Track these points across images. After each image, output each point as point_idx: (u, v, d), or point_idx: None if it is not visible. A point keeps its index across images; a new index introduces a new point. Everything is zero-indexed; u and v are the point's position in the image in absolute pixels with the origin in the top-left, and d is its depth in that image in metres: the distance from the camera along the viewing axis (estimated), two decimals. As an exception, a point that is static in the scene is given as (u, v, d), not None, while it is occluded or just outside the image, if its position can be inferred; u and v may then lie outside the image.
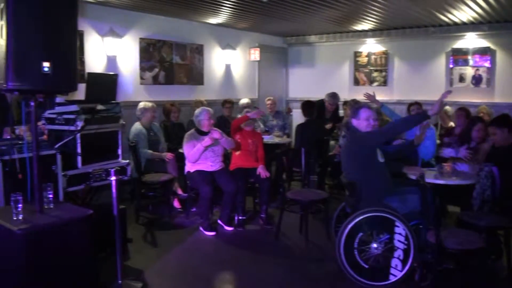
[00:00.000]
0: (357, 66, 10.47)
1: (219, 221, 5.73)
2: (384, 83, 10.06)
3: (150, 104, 6.60)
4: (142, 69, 7.87)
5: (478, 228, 4.06)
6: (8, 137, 4.52)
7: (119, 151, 4.92)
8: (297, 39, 11.04)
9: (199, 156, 5.58)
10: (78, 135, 4.41)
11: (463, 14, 7.60)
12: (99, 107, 4.59)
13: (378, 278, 4.00)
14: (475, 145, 5.38)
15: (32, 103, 3.32)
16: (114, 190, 3.82)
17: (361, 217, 4.03)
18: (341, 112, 8.49)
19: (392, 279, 3.98)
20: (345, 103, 8.26)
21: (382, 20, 8.29)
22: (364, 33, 9.80)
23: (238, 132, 6.01)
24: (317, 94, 8.88)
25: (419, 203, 4.19)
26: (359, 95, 8.87)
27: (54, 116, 4.54)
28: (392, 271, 3.98)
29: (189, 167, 5.76)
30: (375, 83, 10.15)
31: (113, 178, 3.79)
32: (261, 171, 5.82)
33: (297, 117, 9.69)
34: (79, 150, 4.48)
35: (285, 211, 5.40)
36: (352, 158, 4.41)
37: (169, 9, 7.44)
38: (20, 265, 3.12)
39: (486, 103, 8.25)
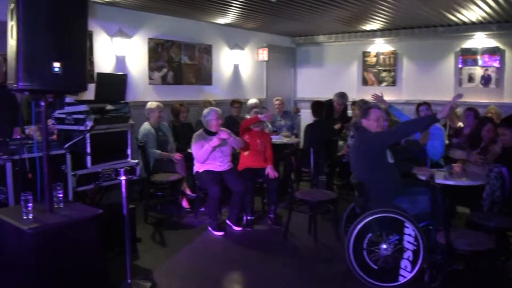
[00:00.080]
0: (365, 66, 10.44)
1: (227, 221, 5.73)
2: (393, 83, 10.02)
3: (155, 104, 6.62)
4: (151, 69, 7.89)
5: (488, 229, 4.05)
6: (18, 136, 4.54)
7: (128, 151, 4.93)
8: (305, 39, 11.01)
9: (208, 157, 5.59)
10: (88, 135, 4.42)
11: (472, 14, 7.56)
12: (109, 107, 4.60)
13: (387, 279, 3.99)
14: (485, 145, 5.35)
15: (42, 103, 3.33)
16: (123, 189, 3.84)
17: (371, 218, 4.03)
18: (349, 112, 8.46)
19: (402, 280, 3.97)
20: (354, 103, 8.23)
21: (391, 20, 8.26)
22: (373, 33, 9.76)
23: (247, 132, 6.01)
24: (326, 94, 8.86)
25: (429, 204, 4.17)
26: (368, 95, 8.83)
27: (63, 116, 4.55)
28: (402, 272, 3.97)
29: (198, 167, 5.77)
30: (384, 83, 10.10)
31: (122, 178, 3.81)
32: (270, 171, 5.82)
33: (305, 117, 9.70)
34: (88, 150, 4.49)
35: (293, 211, 5.40)
36: (361, 159, 4.41)
37: (178, 10, 7.45)
38: (30, 264, 3.13)
39: (495, 103, 8.18)
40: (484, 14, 7.55)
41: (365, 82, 10.45)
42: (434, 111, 6.17)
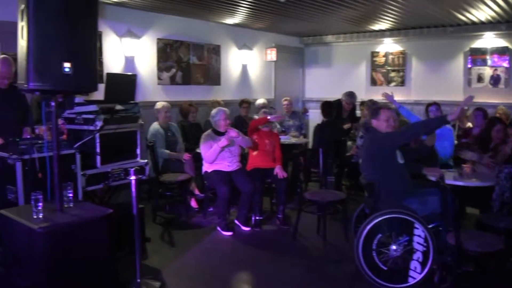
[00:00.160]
0: (374, 66, 10.40)
1: (236, 221, 5.73)
2: (402, 83, 9.98)
3: (161, 105, 6.67)
4: (160, 69, 7.90)
5: (498, 230, 4.02)
6: (28, 136, 4.57)
7: (138, 151, 4.95)
8: (313, 39, 10.99)
9: (216, 157, 5.60)
10: (97, 134, 4.44)
11: (481, 13, 7.52)
12: (118, 107, 4.62)
13: (396, 280, 3.97)
14: (494, 146, 5.32)
15: (53, 103, 3.35)
16: (133, 189, 3.84)
17: (380, 219, 4.01)
18: (358, 112, 8.45)
19: (411, 281, 3.95)
20: (362, 103, 8.22)
21: (400, 19, 8.23)
22: (382, 33, 9.73)
23: (255, 132, 6.01)
24: (334, 94, 8.83)
25: (439, 205, 4.15)
26: (376, 96, 8.86)
27: (73, 116, 4.58)
28: (411, 273, 3.95)
29: (207, 167, 5.78)
30: (393, 83, 10.06)
31: (132, 177, 3.81)
32: (278, 171, 5.82)
33: (314, 117, 9.70)
34: (98, 149, 4.51)
35: (302, 211, 5.39)
36: (371, 159, 4.39)
37: (186, 10, 7.46)
38: (40, 263, 3.15)
39: (504, 103, 8.14)
40: (494, 14, 7.50)
41: (373, 82, 10.41)
42: (444, 112, 6.17)
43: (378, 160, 4.30)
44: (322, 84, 11.12)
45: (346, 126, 7.48)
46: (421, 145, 4.97)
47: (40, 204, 3.26)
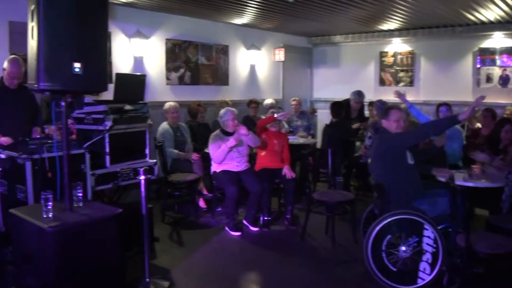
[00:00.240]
0: (382, 66, 10.37)
1: (244, 221, 5.73)
2: (411, 83, 9.93)
3: (168, 105, 6.71)
4: (168, 69, 7.92)
5: (507, 231, 3.99)
6: (38, 136, 4.59)
7: (147, 151, 4.96)
8: (322, 39, 10.97)
9: (224, 157, 5.60)
10: (107, 134, 4.45)
11: (490, 13, 7.47)
12: (127, 107, 4.63)
13: (406, 281, 3.96)
14: (504, 146, 5.28)
15: (63, 103, 3.36)
16: (143, 189, 3.85)
17: (389, 219, 4.00)
18: (366, 113, 8.42)
19: (420, 282, 3.94)
20: (371, 103, 8.19)
21: (409, 19, 8.19)
22: (390, 33, 9.69)
23: (264, 132, 6.01)
24: (342, 94, 8.79)
25: (448, 206, 4.12)
26: (385, 96, 8.84)
27: (82, 116, 4.59)
28: (421, 274, 3.94)
29: (215, 167, 5.78)
30: (401, 84, 10.01)
31: (142, 177, 3.83)
32: (287, 171, 5.82)
33: (322, 117, 9.68)
34: (107, 149, 4.52)
35: (310, 212, 5.38)
36: (381, 159, 4.37)
37: (195, 10, 7.47)
38: (50, 262, 3.15)
39: (513, 104, 8.11)
40: (503, 14, 7.45)
41: (382, 82, 10.38)
42: (454, 112, 6.14)
43: (388, 160, 4.29)
44: (330, 84, 11.09)
45: (356, 125, 7.46)
46: (431, 145, 4.95)
47: (50, 203, 3.27)
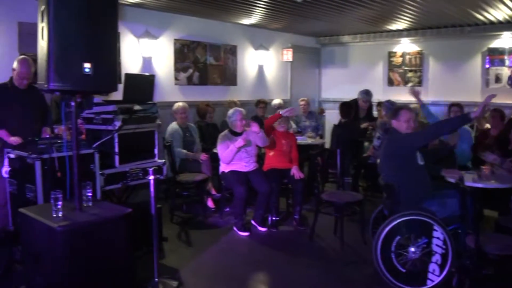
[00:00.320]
0: (391, 67, 10.34)
1: (252, 222, 5.73)
2: (419, 83, 9.88)
3: (176, 106, 6.74)
4: (177, 69, 7.93)
5: (517, 233, 3.97)
6: (47, 136, 4.62)
7: (156, 151, 4.97)
8: (330, 39, 10.94)
9: (233, 157, 5.60)
10: (116, 134, 4.47)
11: (499, 13, 7.42)
12: (136, 107, 4.64)
13: (415, 282, 3.94)
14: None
15: (73, 103, 3.37)
16: (152, 189, 3.86)
17: (399, 220, 3.98)
18: (375, 113, 8.40)
19: (430, 284, 3.92)
20: (379, 104, 8.17)
21: (417, 19, 8.16)
22: (399, 33, 9.65)
23: (272, 133, 6.00)
24: (350, 94, 8.76)
25: (458, 207, 4.10)
26: (394, 96, 8.82)
27: (92, 116, 4.61)
28: (430, 276, 3.92)
29: (224, 168, 5.79)
30: (410, 84, 9.96)
31: (151, 177, 3.83)
32: (295, 172, 5.82)
33: (330, 118, 9.65)
34: (116, 149, 4.54)
35: (319, 212, 5.37)
36: (390, 160, 4.36)
37: (203, 11, 7.48)
38: (59, 262, 3.16)
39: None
40: (512, 13, 7.43)
41: (390, 82, 10.35)
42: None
43: (398, 161, 4.27)
44: (338, 84, 11.08)
45: (364, 125, 7.45)
46: (442, 144, 4.92)
47: (60, 203, 3.28)
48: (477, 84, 9.10)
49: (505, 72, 8.79)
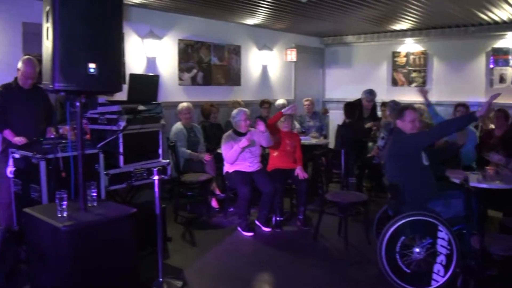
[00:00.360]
0: (395, 67, 10.31)
1: (256, 222, 5.73)
2: (423, 83, 9.83)
3: (180, 106, 6.74)
4: (181, 70, 7.94)
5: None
6: (52, 136, 4.63)
7: (160, 151, 4.98)
8: (334, 39, 10.93)
9: (237, 157, 5.61)
10: (120, 134, 4.47)
11: (503, 13, 7.40)
12: (141, 107, 4.65)
13: (419, 283, 3.93)
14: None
15: (78, 104, 3.38)
16: (156, 189, 3.87)
17: (404, 221, 3.98)
18: (379, 113, 8.38)
19: (434, 284, 3.92)
20: (384, 104, 8.15)
21: (421, 19, 8.14)
22: (403, 33, 9.62)
23: (276, 133, 6.00)
24: (354, 95, 8.73)
25: (463, 208, 4.09)
26: (398, 96, 8.79)
27: (96, 116, 4.62)
28: (434, 276, 3.92)
29: (228, 168, 5.79)
30: (414, 84, 9.94)
31: (155, 177, 3.84)
32: (299, 172, 5.81)
33: (334, 118, 9.64)
34: (121, 149, 4.55)
35: (323, 213, 5.36)
36: (395, 160, 4.35)
37: (207, 11, 7.49)
38: (64, 261, 3.17)
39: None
40: (517, 13, 7.40)
41: (394, 82, 10.32)
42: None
43: (403, 161, 4.26)
44: (342, 84, 11.04)
45: (369, 124, 7.43)
46: (448, 144, 4.91)
47: (65, 202, 3.29)
48: (481, 84, 9.06)
49: (509, 72, 8.75)
